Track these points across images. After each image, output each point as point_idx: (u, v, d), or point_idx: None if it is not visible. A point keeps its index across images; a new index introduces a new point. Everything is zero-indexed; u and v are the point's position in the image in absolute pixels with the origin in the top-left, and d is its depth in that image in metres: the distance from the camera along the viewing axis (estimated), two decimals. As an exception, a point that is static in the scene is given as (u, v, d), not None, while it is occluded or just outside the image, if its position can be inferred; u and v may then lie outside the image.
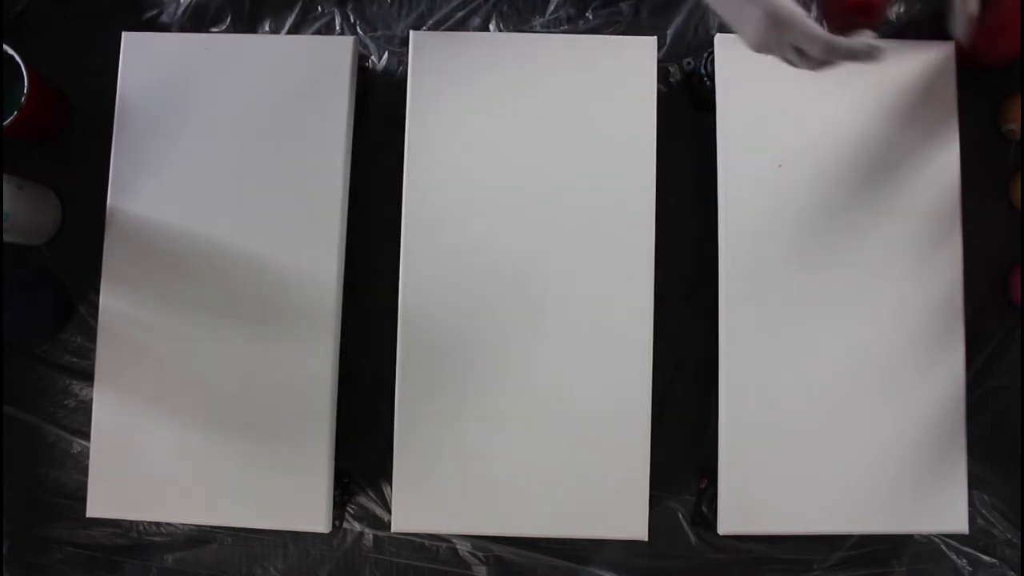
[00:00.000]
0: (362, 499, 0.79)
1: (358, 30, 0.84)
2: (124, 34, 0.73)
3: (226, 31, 0.83)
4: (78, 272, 0.80)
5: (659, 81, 0.79)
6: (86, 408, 0.79)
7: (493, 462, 0.68)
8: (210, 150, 0.71)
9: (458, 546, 0.78)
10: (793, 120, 0.71)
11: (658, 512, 0.77)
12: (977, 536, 0.77)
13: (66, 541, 0.79)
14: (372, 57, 0.83)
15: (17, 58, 0.73)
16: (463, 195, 0.70)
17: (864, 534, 0.76)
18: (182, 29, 0.83)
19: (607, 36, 0.79)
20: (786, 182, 0.70)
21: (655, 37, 0.72)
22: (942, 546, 0.77)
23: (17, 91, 0.73)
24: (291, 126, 0.71)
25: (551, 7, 0.84)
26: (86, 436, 0.76)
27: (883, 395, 0.68)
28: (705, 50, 0.78)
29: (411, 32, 0.72)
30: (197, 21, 0.83)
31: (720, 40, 0.72)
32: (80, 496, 0.74)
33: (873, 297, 0.69)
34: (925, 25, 0.83)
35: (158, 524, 0.79)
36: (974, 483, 0.74)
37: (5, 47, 0.73)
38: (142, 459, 0.68)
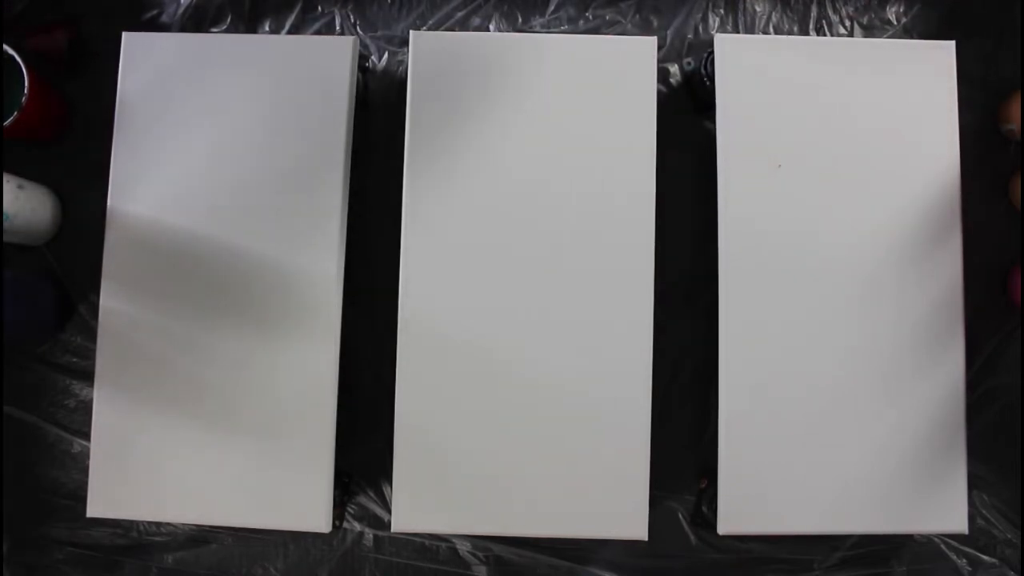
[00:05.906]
0: (362, 499, 0.79)
1: (358, 30, 0.84)
2: (124, 34, 0.73)
3: (226, 31, 0.83)
4: (78, 272, 0.80)
5: (659, 81, 0.79)
6: (86, 408, 0.79)
7: (493, 462, 0.68)
8: (210, 150, 0.71)
9: (458, 546, 0.78)
10: (793, 120, 0.71)
11: (658, 512, 0.77)
12: (977, 536, 0.78)
13: (66, 541, 0.79)
14: (372, 57, 0.83)
15: (17, 58, 0.73)
16: (463, 195, 0.70)
17: (864, 534, 0.76)
18: (182, 29, 0.83)
19: (607, 36, 0.79)
20: (786, 182, 0.70)
21: (655, 37, 0.72)
22: (942, 546, 0.77)
23: (17, 91, 0.73)
24: (291, 126, 0.71)
25: (551, 7, 0.84)
26: (86, 436, 0.76)
27: (883, 395, 0.68)
28: (705, 50, 0.78)
29: (411, 32, 0.72)
30: (197, 21, 0.83)
31: (720, 40, 0.72)
32: (80, 496, 0.74)
33: (873, 297, 0.69)
34: (925, 25, 0.83)
35: (158, 524, 0.79)
36: (974, 483, 0.75)
37: (5, 47, 0.73)
38: (142, 459, 0.68)
